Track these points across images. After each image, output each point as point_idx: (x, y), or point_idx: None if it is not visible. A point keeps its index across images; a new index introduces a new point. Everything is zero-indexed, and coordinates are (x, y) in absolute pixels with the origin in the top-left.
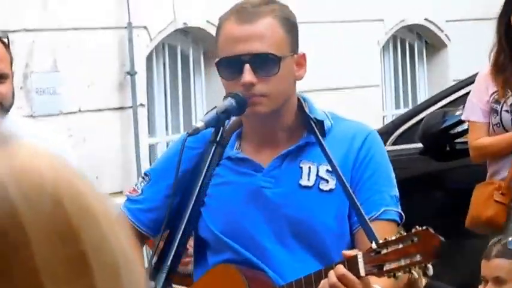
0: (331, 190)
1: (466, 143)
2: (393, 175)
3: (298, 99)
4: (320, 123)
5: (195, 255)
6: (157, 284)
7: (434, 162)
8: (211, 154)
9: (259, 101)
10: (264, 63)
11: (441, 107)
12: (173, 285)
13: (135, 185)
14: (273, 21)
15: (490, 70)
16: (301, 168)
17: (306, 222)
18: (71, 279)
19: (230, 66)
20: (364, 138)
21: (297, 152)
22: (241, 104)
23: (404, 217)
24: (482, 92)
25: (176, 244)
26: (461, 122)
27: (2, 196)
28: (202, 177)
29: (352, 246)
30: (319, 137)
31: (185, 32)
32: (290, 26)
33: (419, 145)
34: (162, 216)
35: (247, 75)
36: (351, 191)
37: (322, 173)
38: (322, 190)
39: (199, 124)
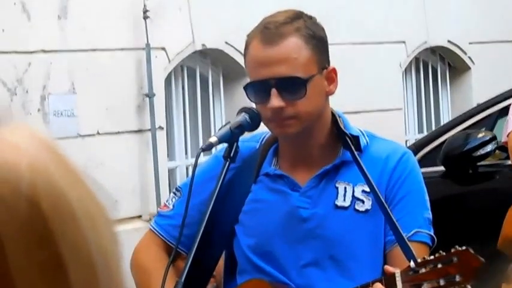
0: (366, 211)
1: (488, 165)
2: (427, 197)
3: (333, 114)
4: (356, 140)
5: (225, 274)
6: None
7: (457, 186)
8: (224, 170)
9: (288, 123)
10: (291, 86)
11: (463, 129)
12: None
13: (166, 201)
14: (298, 41)
15: None
16: (337, 188)
17: (342, 244)
18: (46, 283)
19: (257, 91)
20: (399, 158)
21: (333, 172)
22: (255, 119)
23: (436, 240)
24: None
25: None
26: (484, 144)
27: None
28: (216, 193)
29: (384, 266)
30: (355, 154)
31: (204, 53)
32: (317, 41)
33: (442, 168)
34: (195, 232)
35: (274, 100)
36: (388, 209)
37: (358, 194)
38: (358, 211)
39: (213, 139)
